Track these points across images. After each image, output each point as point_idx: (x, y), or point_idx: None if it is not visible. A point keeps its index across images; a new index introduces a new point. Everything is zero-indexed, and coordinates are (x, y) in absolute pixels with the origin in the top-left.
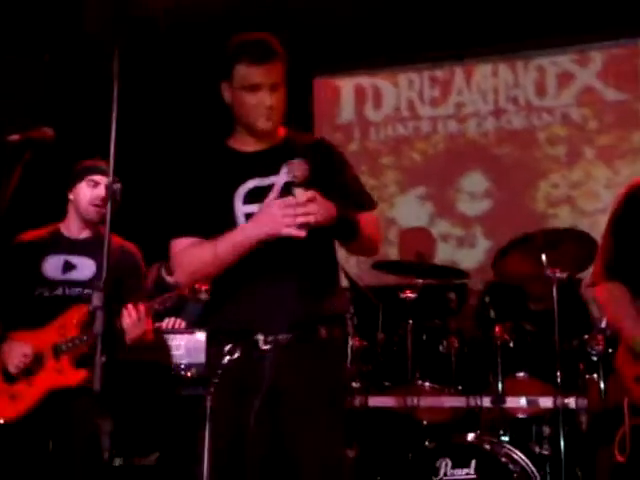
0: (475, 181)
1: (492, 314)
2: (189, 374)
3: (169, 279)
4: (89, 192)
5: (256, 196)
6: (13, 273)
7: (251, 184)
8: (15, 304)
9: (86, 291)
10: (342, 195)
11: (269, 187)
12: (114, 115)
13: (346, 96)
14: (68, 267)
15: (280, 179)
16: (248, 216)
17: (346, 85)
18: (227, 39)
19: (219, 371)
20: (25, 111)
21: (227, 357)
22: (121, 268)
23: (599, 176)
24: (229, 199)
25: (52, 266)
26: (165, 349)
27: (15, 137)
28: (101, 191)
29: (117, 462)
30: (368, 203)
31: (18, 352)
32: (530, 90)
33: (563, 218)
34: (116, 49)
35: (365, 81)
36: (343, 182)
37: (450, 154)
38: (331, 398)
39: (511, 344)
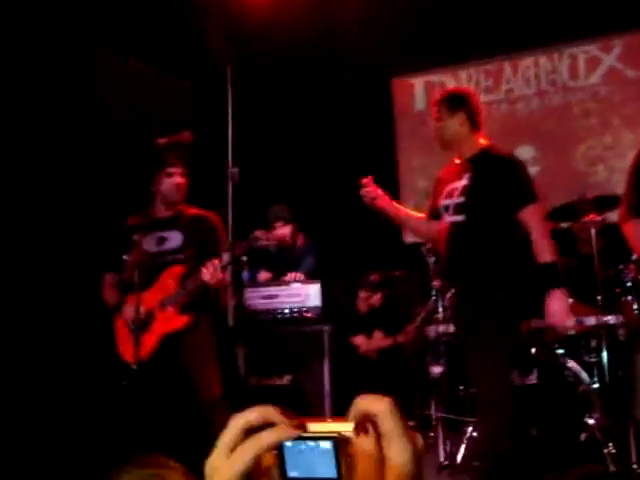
0: (525, 152)
1: None
2: (309, 315)
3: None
4: (167, 181)
5: (448, 195)
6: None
7: (450, 186)
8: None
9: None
10: (503, 196)
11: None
12: (229, 118)
13: (418, 91)
14: (161, 240)
15: (461, 183)
16: (445, 207)
17: (418, 82)
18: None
19: None
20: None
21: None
22: (204, 232)
23: (625, 140)
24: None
25: (149, 242)
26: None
27: (162, 140)
28: (177, 179)
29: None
30: (523, 199)
31: (128, 305)
32: (565, 74)
33: (600, 174)
34: (228, 67)
35: (433, 78)
36: (503, 187)
37: (503, 132)
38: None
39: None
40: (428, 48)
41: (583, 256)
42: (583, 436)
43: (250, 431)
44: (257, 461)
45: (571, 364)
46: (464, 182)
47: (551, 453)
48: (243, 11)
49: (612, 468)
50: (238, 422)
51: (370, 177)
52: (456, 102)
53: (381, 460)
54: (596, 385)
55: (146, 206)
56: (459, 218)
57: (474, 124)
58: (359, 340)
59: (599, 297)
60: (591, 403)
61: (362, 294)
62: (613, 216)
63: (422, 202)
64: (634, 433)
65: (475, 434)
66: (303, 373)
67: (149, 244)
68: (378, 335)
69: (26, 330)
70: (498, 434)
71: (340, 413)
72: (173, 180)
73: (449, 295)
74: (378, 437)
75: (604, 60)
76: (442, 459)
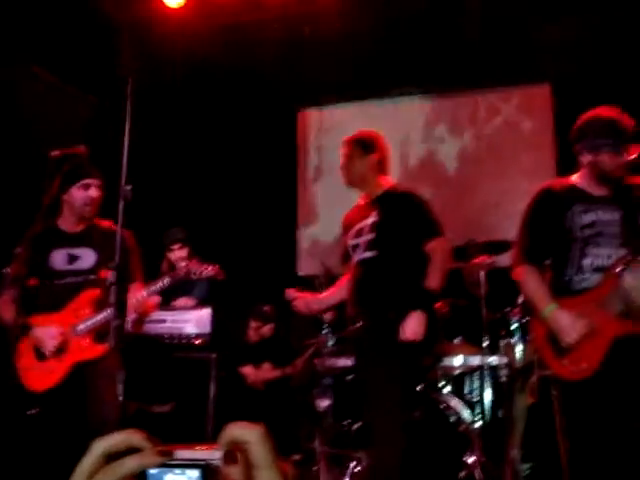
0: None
1: None
2: (197, 341)
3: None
4: (82, 194)
5: (356, 234)
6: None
7: (357, 226)
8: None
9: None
10: (411, 229)
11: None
12: (127, 130)
13: (324, 124)
14: (72, 259)
15: (368, 221)
16: (354, 246)
17: (323, 115)
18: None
19: None
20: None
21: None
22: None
23: (521, 187)
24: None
25: (58, 259)
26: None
27: (56, 153)
28: (93, 192)
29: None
30: (429, 233)
31: (48, 336)
32: (465, 120)
33: (492, 218)
34: (130, 79)
35: (339, 112)
36: (410, 220)
37: (403, 172)
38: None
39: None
40: (337, 82)
41: (471, 297)
42: (462, 474)
43: (112, 457)
44: None
45: (454, 403)
46: (372, 219)
47: None
48: (152, 29)
49: None
50: (99, 447)
51: (291, 290)
52: (369, 145)
53: None
54: (477, 424)
55: (52, 215)
56: (371, 254)
57: (382, 168)
58: (247, 370)
59: (485, 337)
60: (471, 442)
61: (253, 324)
62: (502, 260)
63: (321, 233)
64: (511, 472)
65: (358, 469)
66: (187, 400)
67: (58, 261)
68: (267, 366)
69: None
70: (389, 466)
71: None
72: (89, 193)
73: (354, 327)
74: (248, 466)
75: (502, 109)
76: None
